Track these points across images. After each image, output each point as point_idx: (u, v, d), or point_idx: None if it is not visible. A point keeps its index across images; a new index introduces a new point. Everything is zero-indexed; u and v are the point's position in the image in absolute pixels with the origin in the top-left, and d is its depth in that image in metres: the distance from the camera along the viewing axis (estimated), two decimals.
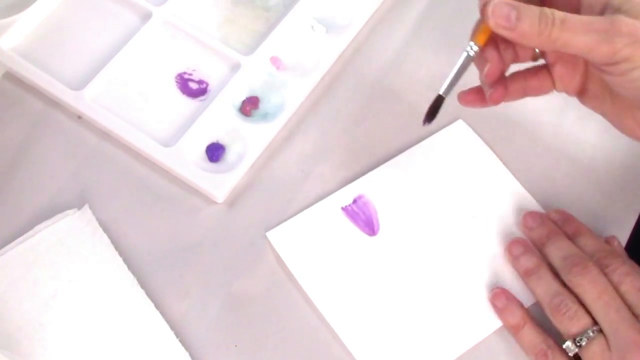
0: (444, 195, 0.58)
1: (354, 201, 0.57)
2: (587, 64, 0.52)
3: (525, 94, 0.55)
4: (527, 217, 0.56)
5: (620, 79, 0.46)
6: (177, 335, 0.52)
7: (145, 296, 0.53)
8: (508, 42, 0.52)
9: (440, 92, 0.51)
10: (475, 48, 0.50)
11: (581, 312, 0.49)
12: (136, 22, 0.64)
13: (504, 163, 0.59)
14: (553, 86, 0.54)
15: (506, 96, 0.54)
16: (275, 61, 0.63)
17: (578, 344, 0.49)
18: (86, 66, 0.62)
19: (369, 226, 0.56)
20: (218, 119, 0.60)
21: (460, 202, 0.57)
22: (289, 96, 0.61)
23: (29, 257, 0.54)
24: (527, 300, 0.53)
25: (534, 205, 0.57)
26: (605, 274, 0.50)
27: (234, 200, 0.58)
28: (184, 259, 0.56)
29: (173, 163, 0.58)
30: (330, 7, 0.66)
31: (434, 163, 0.59)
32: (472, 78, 0.53)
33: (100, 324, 0.52)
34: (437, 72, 0.64)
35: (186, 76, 0.63)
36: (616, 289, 0.49)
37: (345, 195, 0.57)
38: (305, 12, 0.65)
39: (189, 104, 0.61)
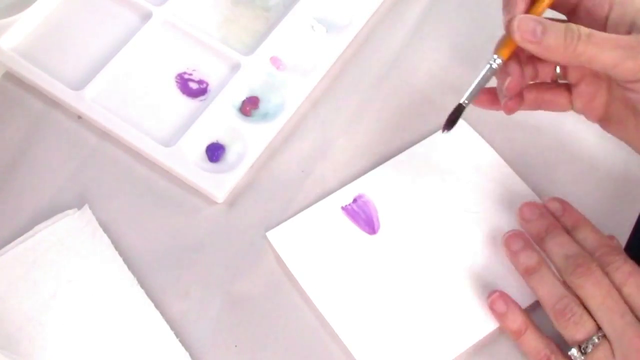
0: (445, 193, 0.58)
1: (354, 200, 0.57)
2: (609, 87, 0.52)
3: (538, 106, 0.56)
4: (525, 209, 0.55)
5: None
6: (177, 335, 0.52)
7: (145, 296, 0.53)
8: (529, 59, 0.53)
9: (461, 101, 0.52)
10: (499, 61, 0.50)
11: (586, 317, 0.49)
12: (136, 22, 0.64)
13: (505, 160, 0.59)
14: (569, 105, 0.54)
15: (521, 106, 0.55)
16: (275, 61, 0.63)
17: (584, 351, 0.48)
18: (86, 66, 0.62)
19: (369, 225, 0.56)
20: (218, 119, 0.60)
21: (461, 201, 0.57)
22: (289, 96, 0.61)
23: (29, 257, 0.54)
24: (526, 299, 0.53)
25: (536, 201, 0.57)
26: (607, 273, 0.49)
27: (234, 200, 0.58)
28: (184, 259, 0.56)
29: (173, 163, 0.58)
30: (330, 7, 0.66)
31: (435, 162, 0.59)
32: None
33: (100, 324, 0.52)
34: (437, 72, 0.64)
35: (186, 76, 0.63)
36: (619, 289, 0.49)
37: (345, 195, 0.57)
38: (305, 12, 0.65)
39: (189, 104, 0.61)
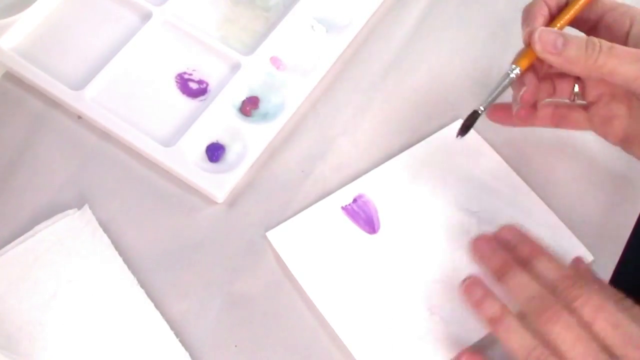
0: (445, 193, 0.58)
1: (354, 200, 0.57)
2: (630, 108, 0.53)
3: (556, 123, 0.56)
4: (478, 244, 0.52)
5: None
6: (177, 335, 0.52)
7: (145, 296, 0.53)
8: (547, 76, 0.54)
9: (477, 109, 0.52)
10: (517, 71, 0.51)
11: None
12: (136, 22, 0.64)
13: (505, 160, 0.59)
14: (587, 124, 0.55)
15: (535, 120, 0.56)
16: (275, 61, 0.63)
17: None
18: (86, 66, 0.62)
19: (370, 225, 0.56)
20: (218, 119, 0.60)
21: (461, 200, 0.57)
22: (289, 96, 0.61)
23: (29, 257, 0.54)
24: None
25: (536, 201, 0.57)
26: (575, 309, 0.45)
27: (234, 200, 0.58)
28: (184, 259, 0.56)
29: (173, 163, 0.58)
30: (330, 7, 0.66)
31: (435, 162, 0.59)
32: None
33: (100, 324, 0.52)
34: (437, 72, 0.64)
35: (186, 76, 0.63)
36: (589, 327, 0.45)
37: (346, 195, 0.57)
38: (305, 12, 0.65)
39: (189, 104, 0.62)
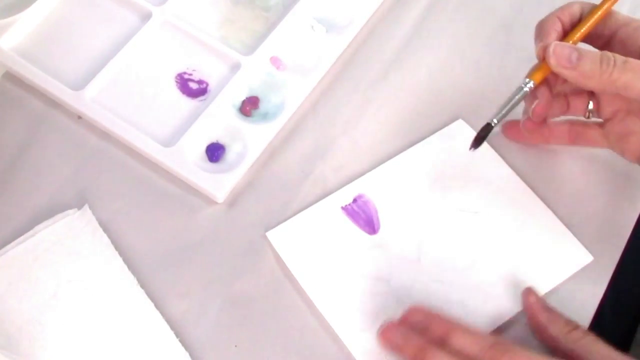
0: (444, 193, 0.58)
1: (354, 200, 0.57)
2: None
3: (570, 140, 0.57)
4: (388, 334, 0.50)
5: None
6: (177, 335, 0.52)
7: (145, 296, 0.54)
8: (561, 93, 0.54)
9: (490, 121, 0.53)
10: (531, 85, 0.52)
11: None
12: (136, 22, 0.64)
13: (505, 160, 0.59)
14: (604, 141, 0.55)
15: (551, 137, 0.57)
16: (275, 61, 0.63)
17: None
18: (86, 66, 0.62)
19: (370, 225, 0.56)
20: (218, 119, 0.60)
21: (460, 200, 0.57)
22: (289, 96, 0.61)
23: (29, 257, 0.54)
24: (513, 308, 0.53)
25: (535, 201, 0.57)
26: None
27: (234, 200, 0.58)
28: (184, 259, 0.56)
29: (173, 163, 0.58)
30: (330, 7, 0.66)
31: (434, 162, 0.59)
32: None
33: (100, 324, 0.52)
34: (437, 71, 0.64)
35: (186, 76, 0.63)
36: None
37: (345, 195, 0.57)
38: (305, 12, 0.65)
39: (189, 104, 0.61)
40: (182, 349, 0.52)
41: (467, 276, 0.54)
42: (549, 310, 0.51)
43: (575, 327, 0.50)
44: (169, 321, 0.53)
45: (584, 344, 0.49)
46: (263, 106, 0.61)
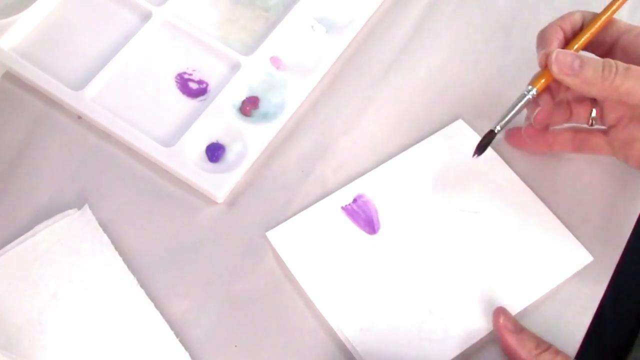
0: (445, 193, 0.58)
1: (354, 200, 0.57)
2: None
3: (574, 148, 0.57)
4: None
5: None
6: (177, 335, 0.52)
7: (145, 296, 0.53)
8: (564, 101, 0.54)
9: (493, 128, 0.53)
10: (534, 92, 0.52)
11: None
12: (136, 22, 0.64)
13: (504, 161, 0.59)
14: (608, 148, 0.55)
15: (555, 145, 0.57)
16: (275, 61, 0.63)
17: None
18: (86, 66, 0.62)
19: (369, 225, 0.56)
20: (218, 119, 0.60)
21: (460, 201, 0.57)
22: (289, 96, 0.61)
23: (29, 257, 0.54)
24: (521, 303, 0.53)
25: (535, 201, 0.57)
26: None
27: (234, 200, 0.58)
28: (184, 259, 0.56)
29: (173, 163, 0.58)
30: (330, 7, 0.66)
31: (434, 162, 0.59)
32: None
33: (100, 324, 0.52)
34: (437, 71, 0.64)
35: (186, 76, 0.63)
36: None
37: (345, 195, 0.57)
38: (305, 12, 0.65)
39: (189, 104, 0.61)
40: (182, 349, 0.52)
41: (467, 276, 0.54)
42: (519, 331, 0.51)
43: (547, 348, 0.50)
44: (169, 321, 0.53)
45: None
46: (263, 106, 0.61)
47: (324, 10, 0.65)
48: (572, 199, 0.58)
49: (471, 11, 0.67)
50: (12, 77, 0.62)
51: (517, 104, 0.53)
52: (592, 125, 0.56)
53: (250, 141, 0.59)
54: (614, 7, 0.53)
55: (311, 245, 0.55)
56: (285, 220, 0.57)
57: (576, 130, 0.57)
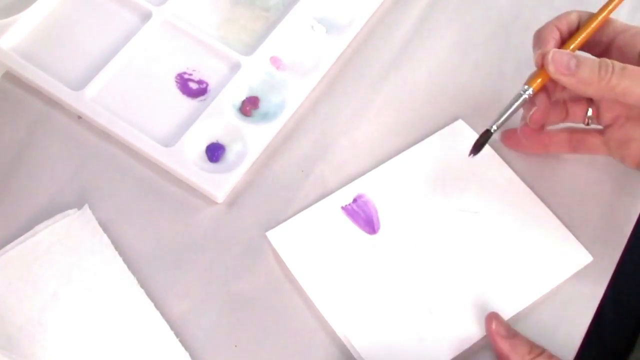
0: (445, 193, 0.58)
1: (354, 200, 0.57)
2: None
3: (570, 148, 0.57)
4: None
5: None
6: (177, 335, 0.52)
7: (145, 296, 0.53)
8: (560, 101, 0.54)
9: (489, 128, 0.53)
10: (530, 92, 0.52)
11: None
12: (136, 22, 0.64)
13: (504, 160, 0.59)
14: (604, 148, 0.55)
15: (551, 146, 0.57)
16: (275, 61, 0.63)
17: None
18: (86, 66, 0.62)
19: (369, 225, 0.56)
20: (218, 119, 0.60)
21: (460, 201, 0.57)
22: (289, 96, 0.61)
23: (29, 257, 0.54)
24: (519, 304, 0.53)
25: (535, 201, 0.57)
26: None
27: (234, 200, 0.58)
28: (184, 259, 0.56)
29: (173, 163, 0.58)
30: (330, 7, 0.66)
31: (434, 162, 0.59)
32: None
33: (100, 324, 0.52)
34: (437, 71, 0.64)
35: (186, 76, 0.63)
36: None
37: (346, 195, 0.57)
38: (305, 12, 0.65)
39: (189, 104, 0.61)
40: (182, 349, 0.52)
41: (467, 276, 0.54)
42: (512, 336, 0.51)
43: (540, 352, 0.50)
44: (169, 321, 0.53)
45: None
46: (263, 106, 0.61)
47: (324, 10, 0.65)
48: (572, 199, 0.58)
49: (471, 11, 0.67)
50: (12, 77, 0.62)
51: (513, 104, 0.53)
52: (588, 124, 0.56)
53: (250, 141, 0.59)
54: (610, 7, 0.53)
55: (311, 245, 0.55)
56: (285, 220, 0.57)
57: (572, 131, 0.57)
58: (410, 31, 0.66)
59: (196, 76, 0.63)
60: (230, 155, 0.60)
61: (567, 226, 0.56)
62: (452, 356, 0.52)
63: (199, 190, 0.58)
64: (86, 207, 0.57)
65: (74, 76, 0.62)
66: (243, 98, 0.61)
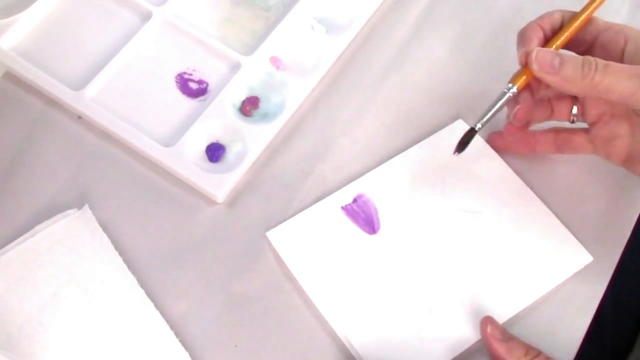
0: (445, 193, 0.58)
1: (354, 200, 0.57)
2: (631, 127, 0.53)
3: (556, 148, 0.57)
4: None
5: None
6: (177, 335, 0.52)
7: (145, 296, 0.53)
8: (544, 99, 0.55)
9: (474, 126, 0.53)
10: (514, 90, 0.52)
11: None
12: (136, 22, 0.64)
13: (504, 161, 0.59)
14: (590, 146, 0.55)
15: (537, 146, 0.57)
16: (275, 61, 0.63)
17: None
18: (86, 66, 0.62)
19: (369, 225, 0.56)
20: (218, 119, 0.60)
21: (460, 201, 0.57)
22: (289, 96, 0.61)
23: (29, 257, 0.54)
24: (518, 304, 0.53)
25: (535, 201, 0.57)
26: None
27: (234, 200, 0.58)
28: (184, 259, 0.56)
29: (173, 163, 0.58)
30: (330, 7, 0.66)
31: (434, 162, 0.59)
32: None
33: (100, 324, 0.52)
34: (437, 71, 0.64)
35: (186, 76, 0.63)
36: None
37: (346, 195, 0.57)
38: (305, 12, 0.65)
39: (189, 104, 0.61)
40: (182, 349, 0.52)
41: (467, 276, 0.54)
42: (507, 339, 0.51)
43: (536, 355, 0.50)
44: (169, 321, 0.53)
45: None
46: (263, 106, 0.61)
47: (324, 10, 0.65)
48: (572, 199, 0.58)
49: (471, 11, 0.67)
50: (12, 77, 0.62)
51: (497, 102, 0.53)
52: (573, 122, 0.56)
53: (250, 141, 0.59)
54: (593, 6, 0.53)
55: (311, 245, 0.55)
56: (285, 220, 0.57)
57: (557, 131, 0.57)
58: (410, 31, 0.66)
59: (196, 76, 0.63)
60: (230, 155, 0.60)
61: (567, 226, 0.56)
62: (452, 356, 0.52)
63: (199, 190, 0.58)
64: (86, 207, 0.57)
65: (74, 76, 0.62)
66: (243, 98, 0.61)
